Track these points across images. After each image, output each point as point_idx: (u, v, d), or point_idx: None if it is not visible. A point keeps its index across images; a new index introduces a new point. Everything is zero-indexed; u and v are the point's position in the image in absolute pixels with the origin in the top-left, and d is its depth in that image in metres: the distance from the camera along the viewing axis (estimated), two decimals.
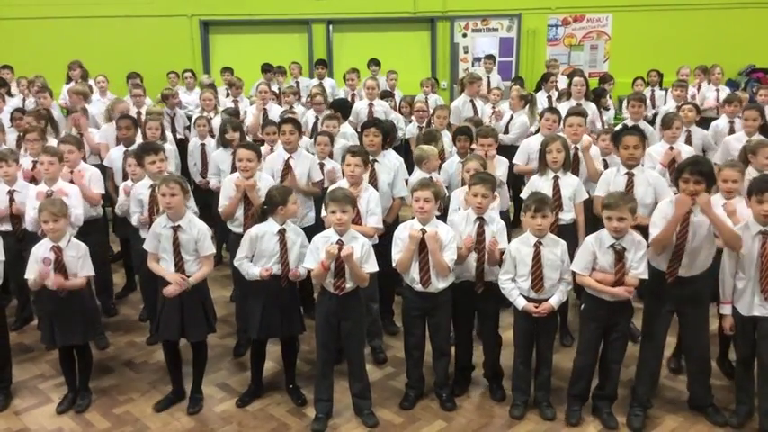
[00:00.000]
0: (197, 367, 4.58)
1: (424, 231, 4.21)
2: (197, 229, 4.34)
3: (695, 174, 3.91)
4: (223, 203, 5.05)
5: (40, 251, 4.30)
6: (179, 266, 4.30)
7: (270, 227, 4.34)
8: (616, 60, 11.53)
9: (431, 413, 4.43)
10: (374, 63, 10.22)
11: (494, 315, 4.50)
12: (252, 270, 4.34)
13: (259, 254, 4.34)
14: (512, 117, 7.67)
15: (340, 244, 4.06)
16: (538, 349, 4.29)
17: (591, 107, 7.54)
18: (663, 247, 4.03)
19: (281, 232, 4.32)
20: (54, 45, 10.96)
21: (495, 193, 4.54)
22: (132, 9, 11.27)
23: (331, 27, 11.83)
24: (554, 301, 4.15)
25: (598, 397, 4.33)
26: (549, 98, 8.84)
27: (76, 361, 4.58)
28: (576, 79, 7.81)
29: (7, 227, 5.30)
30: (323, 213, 4.47)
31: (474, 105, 8.01)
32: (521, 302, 4.18)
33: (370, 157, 5.12)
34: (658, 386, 4.49)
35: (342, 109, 6.93)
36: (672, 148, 5.73)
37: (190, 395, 4.58)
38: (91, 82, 9.23)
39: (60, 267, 4.28)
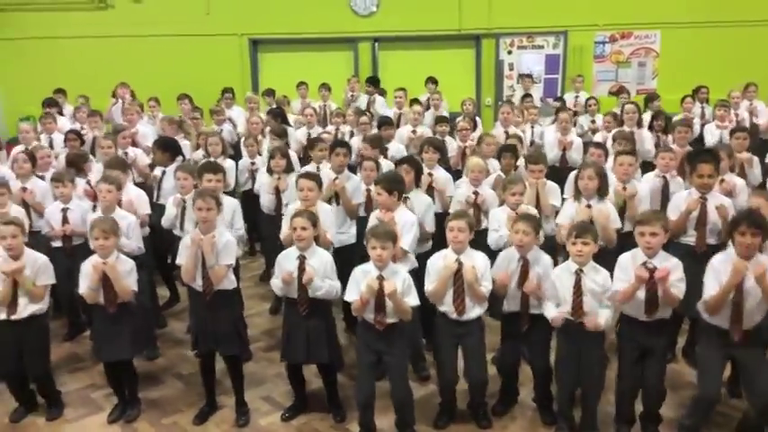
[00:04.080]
0: (235, 381, 4.64)
1: (459, 262, 4.21)
2: (225, 240, 4.43)
3: (752, 226, 3.82)
4: (284, 231, 4.96)
5: (89, 266, 4.41)
6: (206, 277, 4.38)
7: (293, 250, 4.40)
8: (665, 77, 11.38)
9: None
10: (431, 81, 10.22)
11: (543, 342, 4.42)
12: (275, 281, 4.43)
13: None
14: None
15: (380, 279, 4.04)
16: (581, 372, 4.21)
17: (643, 135, 7.40)
18: (717, 309, 3.92)
19: (301, 258, 4.34)
20: (105, 64, 11.25)
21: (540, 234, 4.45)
22: (183, 28, 11.54)
23: (377, 45, 11.95)
24: (602, 318, 4.05)
25: (645, 419, 4.27)
26: (593, 122, 8.76)
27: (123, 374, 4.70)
28: (627, 107, 7.63)
29: (59, 243, 5.47)
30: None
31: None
32: (555, 313, 4.11)
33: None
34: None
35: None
36: (723, 181, 5.34)
37: (236, 408, 4.66)
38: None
39: (108, 284, 4.39)
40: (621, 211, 5.20)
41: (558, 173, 6.15)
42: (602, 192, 4.99)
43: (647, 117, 8.16)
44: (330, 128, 8.37)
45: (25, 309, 4.42)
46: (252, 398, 4.79)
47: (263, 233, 6.72)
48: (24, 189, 5.84)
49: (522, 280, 4.28)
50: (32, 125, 7.86)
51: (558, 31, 11.52)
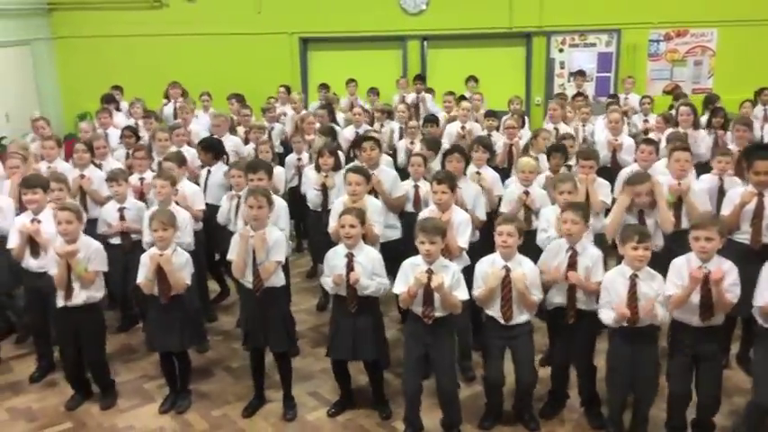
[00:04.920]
0: (283, 376, 4.70)
1: (507, 269, 4.17)
2: (275, 237, 4.48)
3: None
4: (332, 225, 5.05)
5: (146, 257, 4.55)
6: (256, 273, 4.42)
7: (341, 248, 4.42)
8: (721, 76, 11.07)
9: None
10: (473, 79, 10.20)
11: (587, 342, 4.38)
12: (324, 279, 4.47)
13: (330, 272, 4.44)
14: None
15: (429, 273, 4.04)
16: (635, 382, 4.12)
17: (699, 136, 7.21)
18: None
19: (349, 256, 4.36)
20: (159, 62, 11.47)
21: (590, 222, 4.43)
22: (235, 27, 11.69)
23: (426, 43, 11.92)
24: (659, 315, 3.94)
25: (697, 427, 4.17)
26: (647, 121, 8.59)
27: (176, 365, 4.81)
28: (682, 108, 7.42)
29: (117, 240, 5.61)
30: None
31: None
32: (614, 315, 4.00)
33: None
34: None
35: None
36: None
37: (284, 402, 4.71)
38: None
39: (163, 275, 4.49)
40: (676, 209, 5.07)
41: (609, 174, 6.04)
42: (653, 203, 4.84)
43: (704, 119, 7.95)
44: (376, 125, 8.39)
45: (79, 295, 4.54)
46: (299, 393, 4.85)
47: (309, 230, 6.77)
48: (82, 176, 6.05)
49: (570, 270, 4.22)
50: (91, 125, 8.08)
51: (611, 29, 11.31)
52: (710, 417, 4.14)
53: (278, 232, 4.56)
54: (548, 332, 4.56)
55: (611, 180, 5.70)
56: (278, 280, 4.50)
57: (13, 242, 4.99)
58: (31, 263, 4.97)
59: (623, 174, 5.68)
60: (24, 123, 9.55)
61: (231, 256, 4.54)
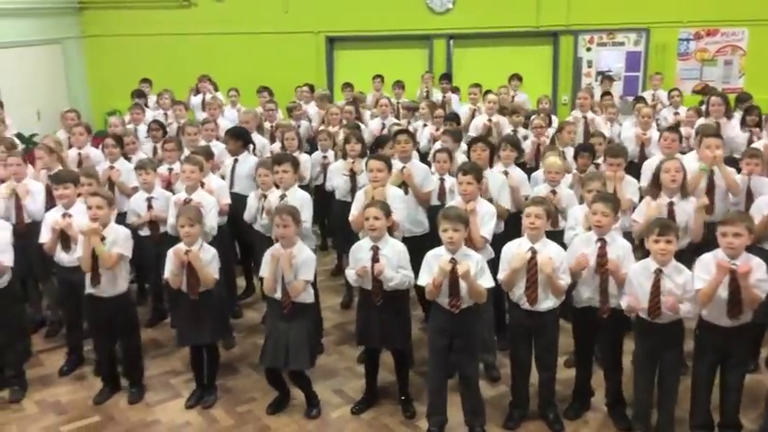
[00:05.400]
0: (300, 388, 4.68)
1: (533, 251, 4.15)
2: (304, 256, 4.47)
3: None
4: (353, 213, 5.12)
5: (172, 252, 4.60)
6: (285, 290, 4.41)
7: (366, 241, 4.43)
8: (752, 76, 10.90)
9: None
10: (516, 78, 10.18)
11: (616, 340, 4.35)
12: (349, 272, 4.49)
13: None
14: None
15: (453, 262, 4.04)
16: (660, 377, 4.10)
17: (731, 124, 7.12)
18: None
19: (374, 248, 4.37)
20: (187, 60, 11.56)
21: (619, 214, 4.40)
22: (262, 26, 11.77)
23: (452, 42, 11.89)
24: (683, 309, 3.89)
25: (725, 427, 4.12)
26: (677, 113, 8.51)
27: (205, 359, 4.85)
28: (713, 99, 7.35)
29: (146, 231, 5.69)
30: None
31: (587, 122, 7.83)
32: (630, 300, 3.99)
33: None
34: None
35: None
36: None
37: (307, 400, 4.73)
38: (218, 94, 9.75)
39: (192, 271, 4.54)
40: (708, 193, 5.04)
41: (636, 169, 5.99)
42: (684, 189, 4.81)
43: (737, 116, 7.83)
44: (402, 121, 8.39)
45: (106, 281, 4.60)
46: (323, 390, 4.87)
47: (334, 227, 6.79)
48: (112, 167, 6.17)
49: (600, 262, 4.17)
50: (120, 119, 8.19)
51: (639, 28, 11.20)
52: (737, 415, 4.09)
53: (308, 251, 4.54)
54: (573, 332, 4.51)
55: (639, 174, 5.66)
56: (307, 296, 4.49)
57: (44, 237, 5.08)
58: (62, 257, 5.05)
59: (648, 164, 5.65)
60: (55, 121, 9.70)
61: (263, 273, 4.54)
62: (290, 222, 4.41)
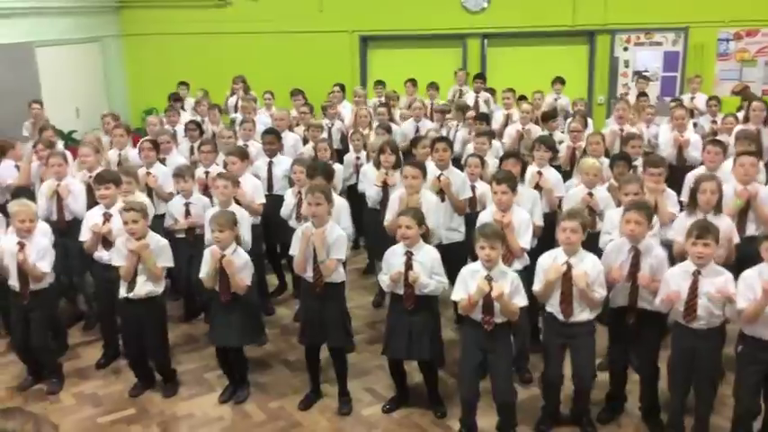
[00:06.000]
0: (339, 371, 4.74)
1: (568, 265, 4.11)
2: (335, 235, 4.50)
3: None
4: (388, 218, 5.16)
5: (208, 254, 4.65)
6: (316, 270, 4.46)
7: (400, 247, 4.42)
8: None
9: None
10: (559, 81, 10.03)
11: (651, 344, 4.29)
12: (382, 277, 4.49)
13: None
14: None
15: (489, 279, 4.01)
16: (696, 383, 4.04)
17: None
18: None
19: (408, 254, 4.36)
20: (223, 59, 11.68)
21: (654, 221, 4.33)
22: (297, 25, 11.83)
23: (486, 41, 11.84)
24: (728, 311, 3.83)
25: None
26: (714, 122, 8.34)
27: (232, 359, 4.89)
28: (755, 104, 7.21)
29: (181, 234, 5.76)
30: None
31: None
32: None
33: None
34: None
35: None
36: None
37: (339, 397, 4.76)
38: (252, 93, 9.83)
39: (224, 274, 4.58)
40: (741, 215, 4.91)
41: (674, 172, 5.89)
42: (718, 207, 4.68)
43: None
44: (435, 125, 8.38)
45: (142, 287, 4.68)
46: (354, 388, 4.89)
47: (366, 227, 6.82)
48: (148, 174, 6.23)
49: (633, 271, 4.13)
50: (158, 118, 8.32)
51: (678, 28, 11.03)
52: None
53: (339, 230, 4.58)
54: (608, 334, 4.46)
55: (677, 178, 5.55)
56: (338, 276, 4.54)
57: (85, 236, 5.19)
58: (102, 254, 5.16)
59: (691, 177, 5.50)
60: (93, 118, 9.88)
61: (293, 251, 4.60)
62: (322, 200, 4.44)
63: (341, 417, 4.66)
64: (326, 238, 4.45)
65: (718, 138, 6.56)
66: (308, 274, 4.52)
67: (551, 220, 5.28)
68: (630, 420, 4.50)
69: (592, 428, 4.37)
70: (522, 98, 9.05)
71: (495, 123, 8.42)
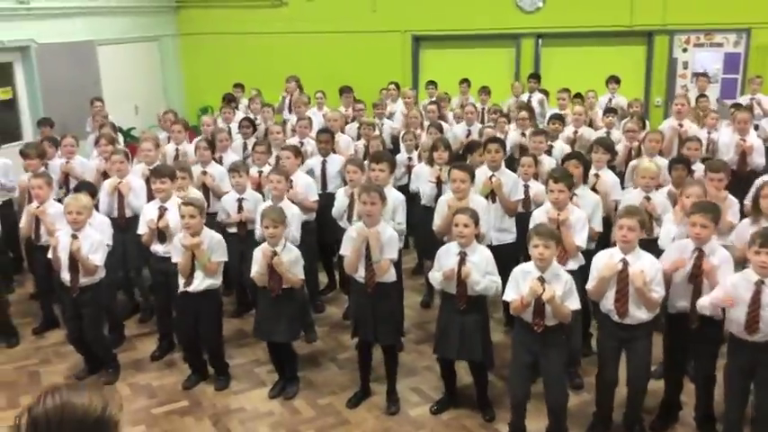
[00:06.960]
0: (390, 370, 4.75)
1: (625, 262, 4.03)
2: (388, 235, 4.52)
3: None
4: (436, 222, 5.15)
5: (259, 253, 4.71)
6: (369, 269, 4.48)
7: (454, 246, 4.41)
8: None
9: None
10: (614, 80, 9.78)
11: (710, 352, 4.18)
12: (433, 275, 4.47)
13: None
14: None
15: (542, 281, 3.96)
16: (755, 396, 3.92)
17: None
18: None
19: (462, 254, 4.34)
20: (277, 58, 11.81)
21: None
22: (351, 25, 11.89)
23: (540, 41, 11.70)
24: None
25: None
26: None
27: (282, 354, 4.95)
28: None
29: (233, 229, 5.84)
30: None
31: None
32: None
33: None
34: None
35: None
36: None
37: (387, 396, 4.77)
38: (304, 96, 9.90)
39: (275, 272, 4.64)
40: None
41: (736, 177, 5.71)
42: None
43: None
44: (489, 125, 8.31)
45: (201, 282, 4.79)
46: (402, 388, 4.90)
47: (417, 226, 6.80)
48: (204, 173, 6.33)
49: (696, 273, 4.02)
50: (212, 117, 8.47)
51: (740, 29, 10.71)
52: None
53: (390, 230, 4.60)
54: (664, 341, 4.35)
55: (739, 182, 5.37)
56: (389, 275, 4.55)
57: (142, 229, 5.33)
58: (157, 247, 5.29)
59: (759, 182, 5.28)
60: (151, 116, 10.11)
61: (344, 251, 4.62)
62: (377, 200, 4.46)
63: (389, 416, 4.67)
64: (380, 237, 4.46)
65: None
66: (360, 274, 4.54)
67: (608, 224, 5.19)
68: (684, 430, 4.40)
69: None
70: (578, 96, 8.89)
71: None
